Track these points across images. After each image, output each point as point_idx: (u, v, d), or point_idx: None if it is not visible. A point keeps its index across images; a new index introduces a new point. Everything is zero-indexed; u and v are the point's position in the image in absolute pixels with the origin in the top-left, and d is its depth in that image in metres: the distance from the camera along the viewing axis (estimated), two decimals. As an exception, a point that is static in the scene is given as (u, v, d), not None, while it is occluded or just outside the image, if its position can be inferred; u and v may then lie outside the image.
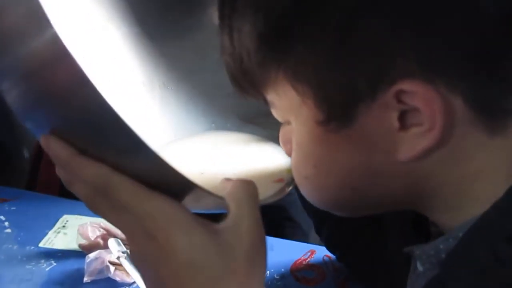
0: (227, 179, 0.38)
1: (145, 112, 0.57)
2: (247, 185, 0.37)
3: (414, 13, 0.31)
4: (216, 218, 0.36)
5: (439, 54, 0.31)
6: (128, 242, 0.36)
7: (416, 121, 0.33)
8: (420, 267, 0.41)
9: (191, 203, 0.36)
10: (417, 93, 0.32)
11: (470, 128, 0.34)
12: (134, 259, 0.36)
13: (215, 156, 0.53)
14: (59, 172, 0.36)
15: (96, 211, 0.36)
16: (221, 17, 0.38)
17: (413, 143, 0.34)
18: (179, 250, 0.33)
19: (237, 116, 0.59)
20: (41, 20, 0.28)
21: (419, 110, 0.32)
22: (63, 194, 1.08)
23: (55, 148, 0.33)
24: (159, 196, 0.34)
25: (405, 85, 0.32)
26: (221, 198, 0.37)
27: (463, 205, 0.37)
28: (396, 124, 0.34)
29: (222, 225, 0.36)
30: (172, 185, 0.34)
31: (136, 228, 0.34)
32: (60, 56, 0.29)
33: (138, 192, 0.34)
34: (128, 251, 0.70)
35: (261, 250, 0.36)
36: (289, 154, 0.43)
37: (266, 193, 0.46)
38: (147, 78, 0.59)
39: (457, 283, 0.36)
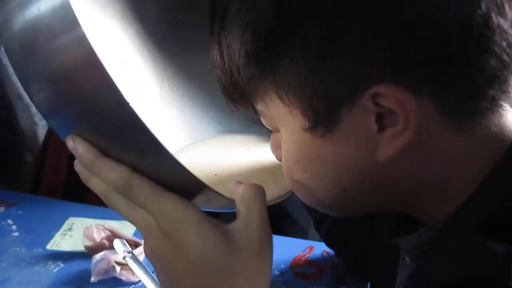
0: (238, 182, 0.40)
1: (152, 113, 0.59)
2: (256, 188, 0.39)
3: (385, 28, 0.34)
4: (217, 215, 0.39)
5: (409, 62, 0.34)
6: (144, 238, 0.39)
7: (392, 122, 0.36)
8: (408, 260, 0.44)
9: (203, 203, 0.39)
10: (391, 95, 0.35)
11: (440, 128, 0.37)
12: (149, 254, 0.39)
13: (227, 158, 0.55)
14: (77, 167, 0.38)
15: (113, 207, 0.38)
16: (211, 33, 0.41)
17: (390, 143, 0.36)
18: (192, 248, 0.36)
19: (243, 116, 0.61)
20: (71, 24, 0.31)
21: (394, 111, 0.35)
22: (66, 198, 1.11)
23: (81, 150, 0.36)
24: (174, 197, 0.36)
25: (380, 89, 0.35)
26: (231, 200, 0.39)
27: (442, 202, 0.40)
28: (374, 126, 0.36)
29: (232, 225, 0.38)
30: (186, 186, 0.37)
31: (152, 226, 0.37)
32: (89, 60, 0.31)
33: (155, 192, 0.36)
34: (133, 251, 0.72)
35: (268, 250, 0.39)
36: (280, 160, 0.45)
37: (274, 193, 0.49)
38: (155, 80, 0.60)
39: (436, 271, 0.39)
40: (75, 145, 0.36)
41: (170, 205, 0.36)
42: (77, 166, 0.38)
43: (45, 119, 0.39)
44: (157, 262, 0.39)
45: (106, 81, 0.31)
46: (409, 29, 0.34)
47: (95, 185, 0.38)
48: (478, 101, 0.36)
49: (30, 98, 0.37)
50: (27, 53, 0.34)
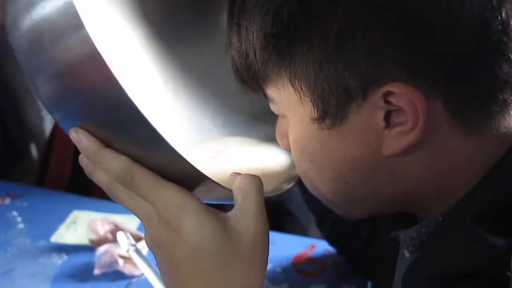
0: (236, 173, 0.41)
1: (157, 111, 0.59)
2: (253, 179, 0.40)
3: (404, 27, 0.34)
4: (222, 207, 0.40)
5: (423, 64, 0.35)
6: (145, 227, 0.39)
7: (400, 120, 0.37)
8: (406, 253, 0.44)
9: (203, 193, 0.40)
10: (403, 94, 0.35)
11: (448, 129, 0.37)
12: (150, 244, 0.40)
13: (243, 157, 0.55)
14: (82, 161, 0.39)
15: (116, 198, 0.39)
16: (230, 16, 0.42)
17: (396, 140, 0.37)
18: (189, 235, 0.37)
19: (246, 113, 0.61)
20: (75, 22, 0.32)
21: (404, 110, 0.36)
22: (71, 191, 1.12)
23: (84, 141, 0.37)
24: (174, 187, 0.37)
25: (393, 87, 0.35)
26: (230, 190, 0.40)
27: (444, 200, 0.40)
28: (382, 123, 0.37)
29: (230, 214, 0.39)
30: (186, 176, 0.38)
31: (152, 215, 0.38)
32: (92, 57, 0.32)
33: (156, 182, 0.37)
34: (137, 244, 0.73)
35: (264, 239, 0.39)
36: (284, 148, 0.46)
37: (268, 187, 0.49)
38: (161, 78, 0.60)
39: (434, 262, 0.39)
40: (78, 136, 0.37)
41: (169, 194, 0.37)
42: (82, 160, 0.39)
43: (49, 112, 0.40)
44: (157, 251, 0.39)
45: (108, 77, 0.33)
46: (428, 30, 0.34)
47: (99, 177, 0.38)
48: (489, 104, 0.36)
49: (36, 92, 0.38)
50: (34, 51, 0.36)
